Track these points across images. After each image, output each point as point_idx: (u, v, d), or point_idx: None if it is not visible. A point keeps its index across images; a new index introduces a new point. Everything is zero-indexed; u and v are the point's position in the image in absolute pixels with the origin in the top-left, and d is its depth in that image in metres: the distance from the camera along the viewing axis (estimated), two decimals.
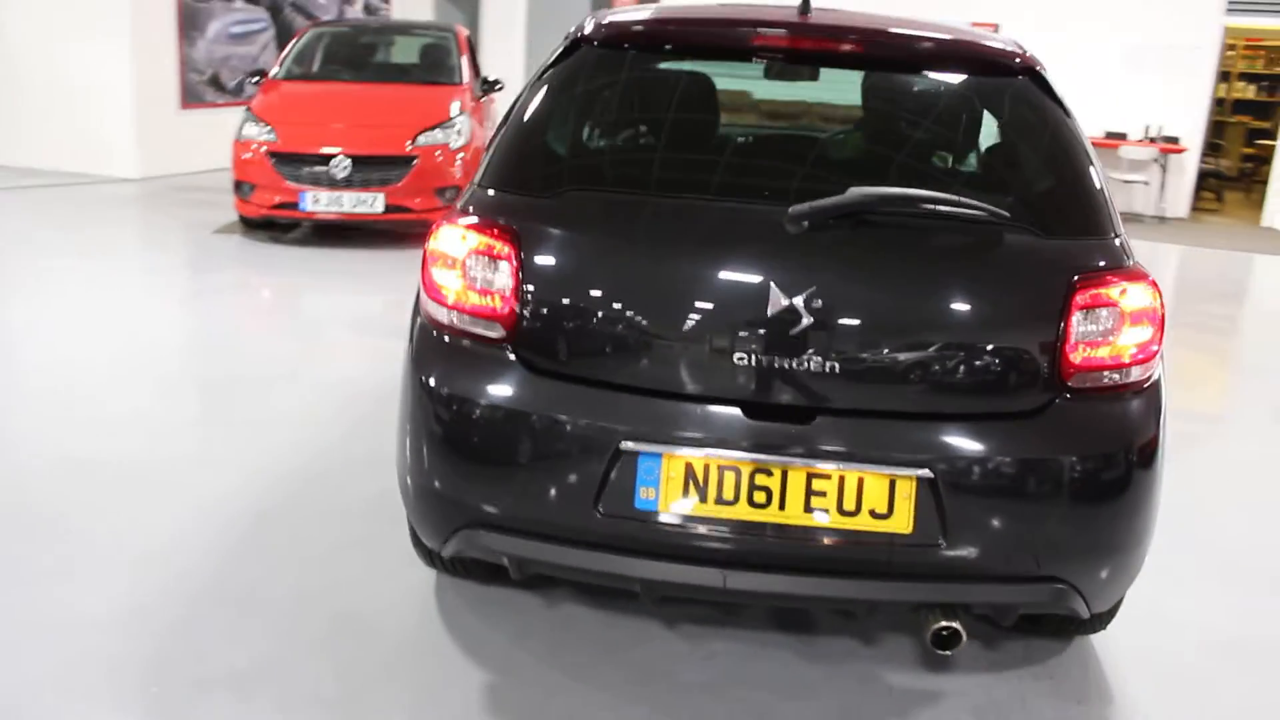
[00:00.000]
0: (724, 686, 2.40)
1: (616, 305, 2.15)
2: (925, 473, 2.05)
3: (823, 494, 2.07)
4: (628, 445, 2.08)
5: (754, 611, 2.66)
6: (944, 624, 2.13)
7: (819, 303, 2.05)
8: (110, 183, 9.20)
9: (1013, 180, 2.48)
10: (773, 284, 2.06)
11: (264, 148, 7.01)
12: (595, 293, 2.17)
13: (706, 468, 2.09)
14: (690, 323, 2.11)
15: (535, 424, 2.15)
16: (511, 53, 13.33)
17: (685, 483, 2.09)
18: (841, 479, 2.07)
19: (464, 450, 2.22)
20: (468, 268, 2.24)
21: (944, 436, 2.10)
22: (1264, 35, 14.78)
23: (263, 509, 3.13)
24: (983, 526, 2.09)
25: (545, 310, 2.18)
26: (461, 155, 7.29)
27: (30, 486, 3.22)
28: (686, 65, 2.66)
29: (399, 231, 7.30)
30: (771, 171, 2.49)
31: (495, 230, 2.22)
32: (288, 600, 2.65)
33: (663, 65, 2.64)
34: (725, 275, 2.15)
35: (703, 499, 2.09)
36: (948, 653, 2.21)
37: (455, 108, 7.51)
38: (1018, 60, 2.37)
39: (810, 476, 2.07)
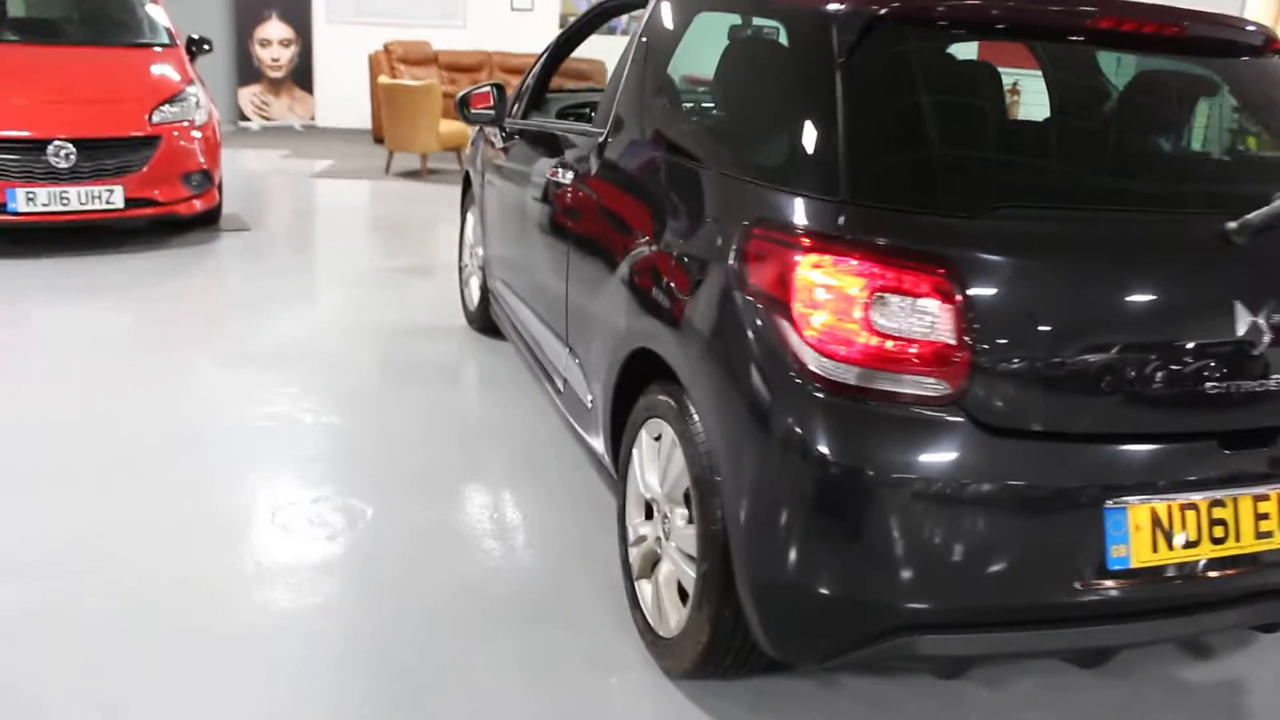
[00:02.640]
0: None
1: (1076, 342, 1.82)
2: None
3: (1267, 516, 1.96)
4: (1106, 501, 1.81)
5: None
6: None
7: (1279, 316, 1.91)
8: None
9: None
10: (1238, 302, 1.88)
11: None
12: (1050, 329, 1.82)
13: (1170, 510, 1.87)
14: (1159, 354, 1.85)
15: (1000, 495, 1.79)
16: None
17: (1152, 531, 1.86)
18: None
19: (902, 541, 1.79)
20: (885, 311, 1.78)
21: None
22: None
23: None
24: None
25: (1000, 358, 1.79)
26: (201, 134, 6.00)
27: None
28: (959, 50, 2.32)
29: (129, 229, 5.92)
30: (1165, 174, 2.26)
31: (925, 263, 1.78)
32: None
33: (953, 50, 2.27)
34: (1187, 296, 1.91)
35: (1169, 545, 1.87)
36: None
37: (182, 76, 6.15)
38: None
39: (1255, 500, 1.95)
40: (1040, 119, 2.41)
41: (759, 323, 1.90)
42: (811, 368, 1.82)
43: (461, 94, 3.84)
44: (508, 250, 3.83)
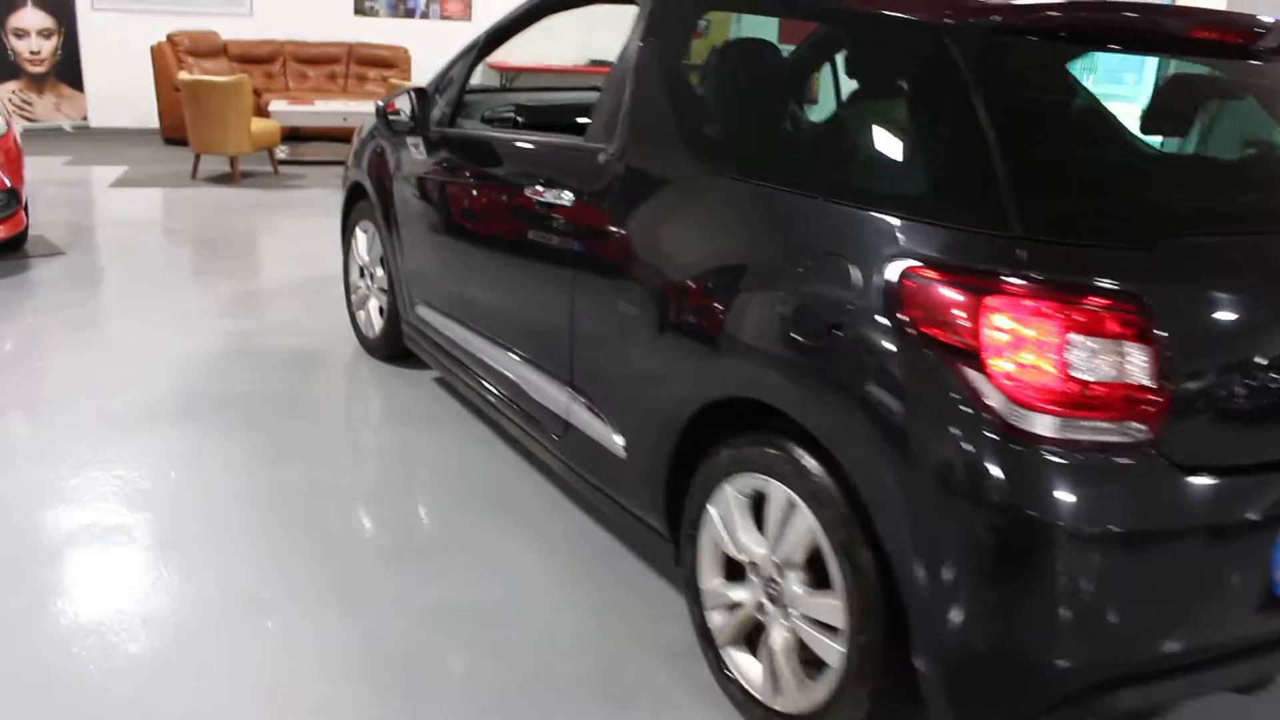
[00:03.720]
0: None
1: (1267, 369, 1.74)
2: None
3: None
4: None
5: None
6: None
7: None
8: None
9: None
10: None
11: None
12: (1242, 358, 1.72)
13: None
14: None
15: (1194, 534, 1.69)
16: None
17: None
18: None
19: (1109, 594, 1.65)
20: (1080, 354, 1.62)
21: None
22: None
23: None
24: None
25: (1197, 394, 1.68)
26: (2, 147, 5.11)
27: None
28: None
29: None
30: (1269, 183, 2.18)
31: (1119, 300, 1.63)
32: None
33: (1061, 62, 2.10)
34: None
35: None
36: None
37: None
38: None
39: None
40: (1189, 135, 2.31)
41: (933, 372, 1.70)
42: (1005, 418, 1.64)
43: (379, 103, 3.39)
44: (445, 275, 3.42)
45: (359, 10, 11.15)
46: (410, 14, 11.34)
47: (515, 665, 2.32)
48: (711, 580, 2.25)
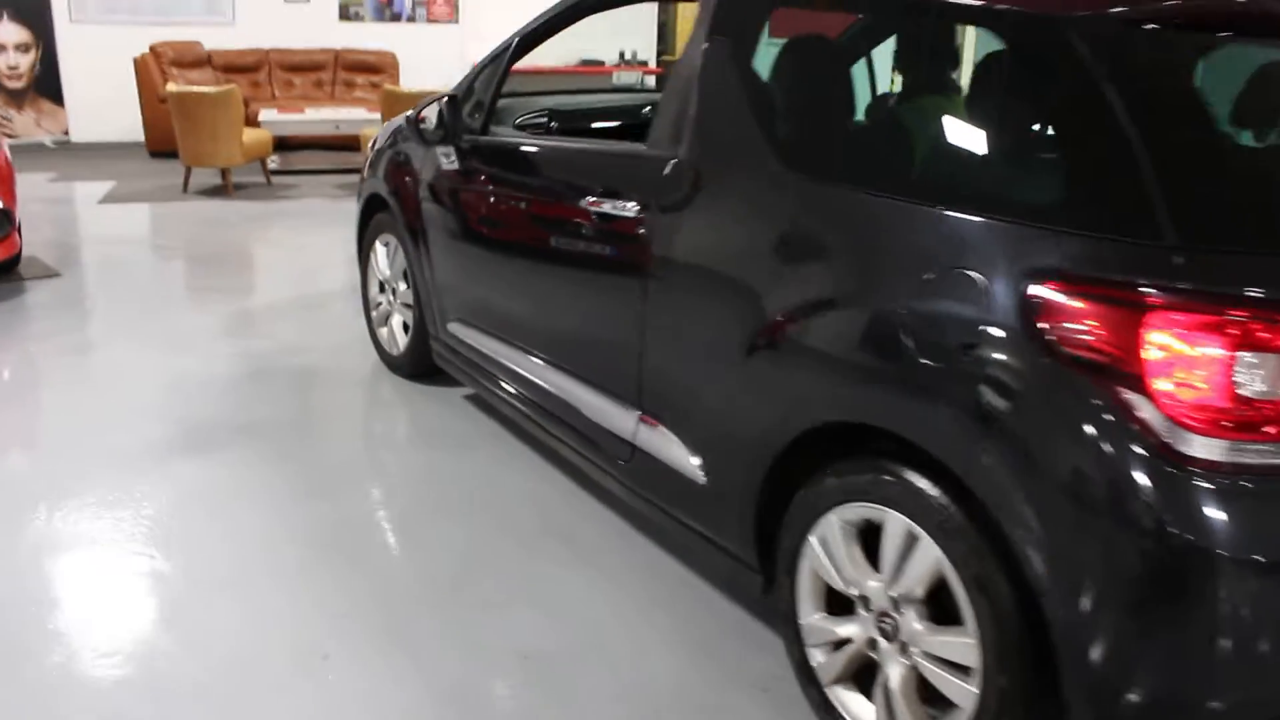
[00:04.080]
0: None
1: None
2: None
3: None
4: None
5: None
6: None
7: None
8: None
9: None
10: None
11: None
12: None
13: None
14: None
15: None
16: None
17: None
18: None
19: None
20: (1252, 372, 1.49)
21: None
22: None
23: None
24: None
25: None
26: None
27: None
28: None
29: None
30: None
31: None
32: None
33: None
34: None
35: None
36: None
37: None
38: None
39: None
40: None
41: (1083, 393, 1.57)
42: (1166, 442, 1.51)
43: (409, 113, 3.24)
44: (485, 290, 3.26)
45: (344, 16, 10.93)
46: (396, 18, 11.14)
47: (622, 716, 2.18)
48: (812, 614, 2.10)
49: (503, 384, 3.23)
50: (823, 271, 1.99)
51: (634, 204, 2.46)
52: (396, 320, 4.04)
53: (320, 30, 10.81)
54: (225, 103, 7.45)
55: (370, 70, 10.77)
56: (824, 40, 2.34)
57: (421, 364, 3.92)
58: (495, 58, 3.28)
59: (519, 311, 3.09)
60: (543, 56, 11.88)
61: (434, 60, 11.21)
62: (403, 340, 4.00)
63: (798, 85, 2.31)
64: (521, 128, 3.41)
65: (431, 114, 3.28)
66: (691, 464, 2.37)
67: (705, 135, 2.31)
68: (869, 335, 1.88)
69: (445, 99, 3.20)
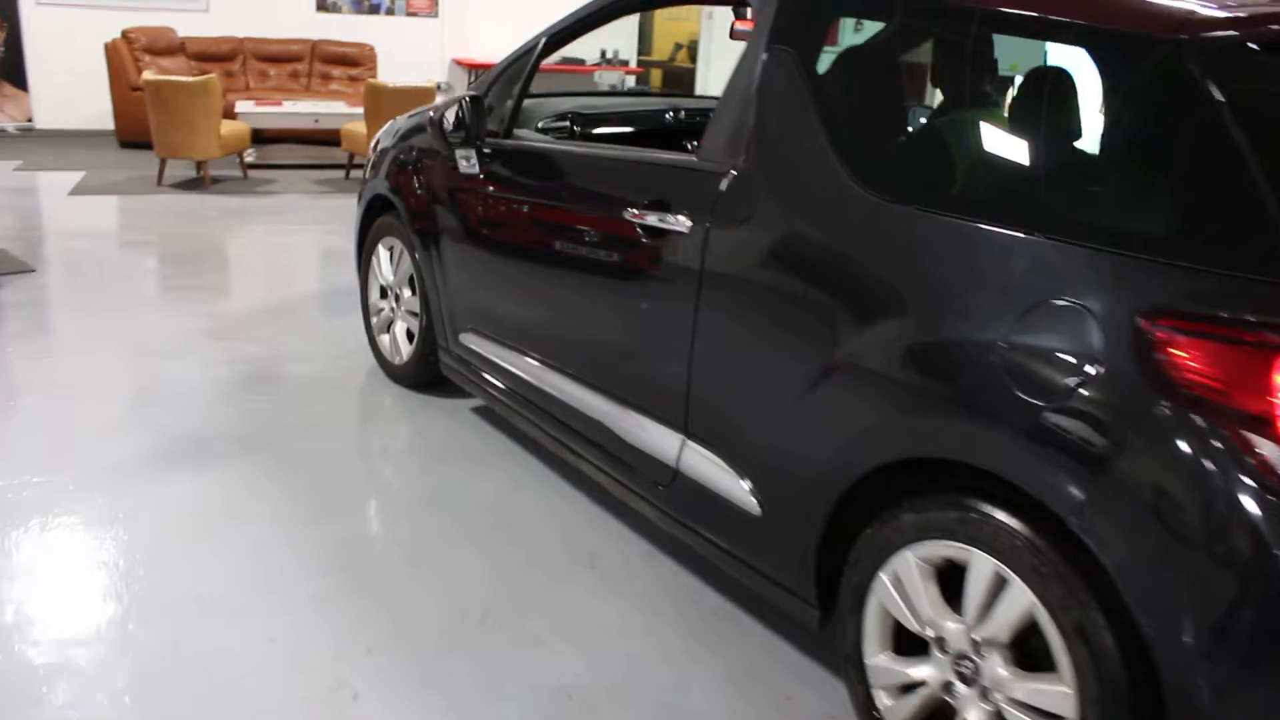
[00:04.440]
0: None
1: None
2: None
3: None
4: None
5: None
6: None
7: None
8: None
9: None
10: None
11: None
12: None
13: None
14: None
15: None
16: None
17: None
18: None
19: None
20: None
21: None
22: None
23: None
24: None
25: None
26: None
27: None
28: None
29: None
30: None
31: None
32: None
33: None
34: None
35: None
36: None
37: None
38: None
39: None
40: None
41: (1206, 436, 1.47)
42: None
43: (428, 113, 3.09)
44: (505, 302, 3.12)
45: (321, 6, 10.67)
46: (375, 9, 10.90)
47: None
48: (878, 655, 2.00)
49: (521, 399, 3.10)
50: (905, 298, 1.89)
51: (685, 217, 2.34)
52: (400, 328, 3.89)
53: (297, 20, 10.55)
54: (204, 93, 7.21)
55: (348, 63, 10.53)
56: (900, 52, 2.23)
57: (426, 375, 3.78)
58: (520, 56, 3.14)
59: (545, 325, 2.95)
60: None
61: (413, 54, 11.00)
62: (406, 349, 3.84)
63: (876, 99, 2.21)
64: (544, 132, 3.27)
65: (450, 114, 3.13)
66: (744, 492, 2.26)
67: (767, 149, 2.20)
68: (961, 367, 1.77)
69: (468, 99, 3.06)
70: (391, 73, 10.77)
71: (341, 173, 8.54)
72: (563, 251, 2.80)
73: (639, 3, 2.90)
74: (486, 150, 3.12)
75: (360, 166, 8.71)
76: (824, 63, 2.24)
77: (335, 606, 2.50)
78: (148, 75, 7.33)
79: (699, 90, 12.14)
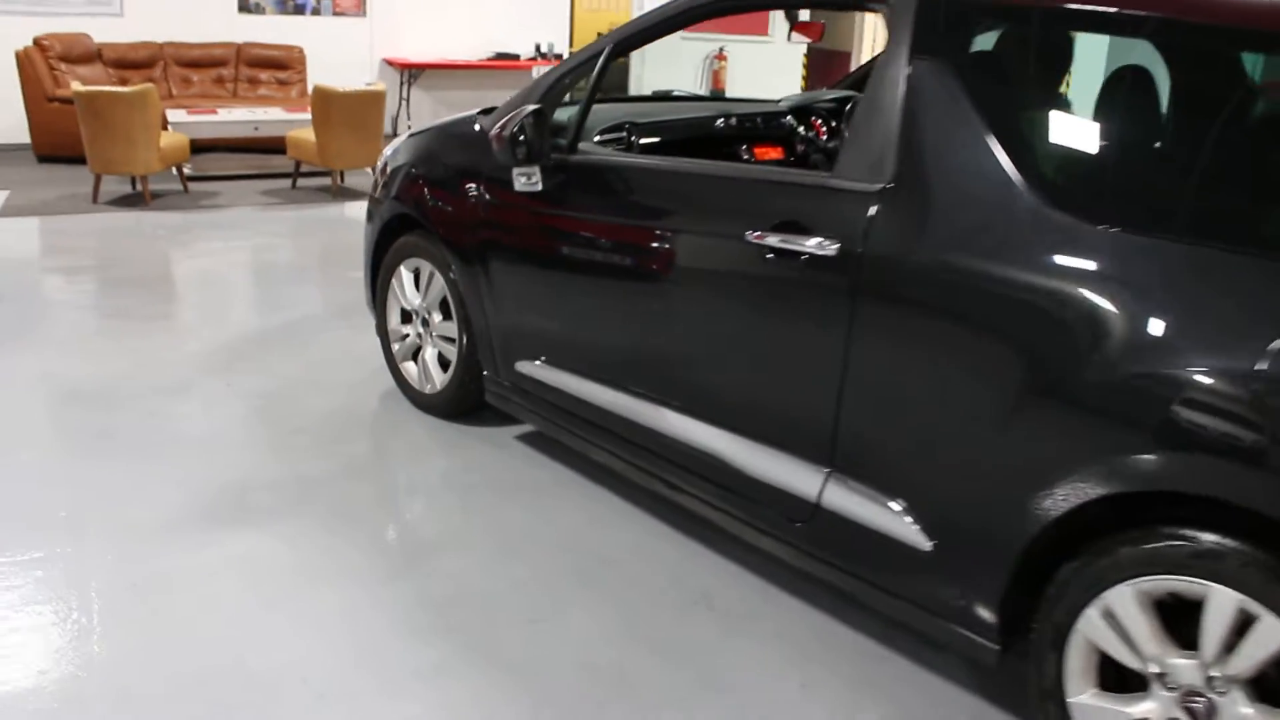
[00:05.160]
0: None
1: None
2: None
3: None
4: None
5: None
6: None
7: None
8: None
9: None
10: None
11: None
12: None
13: None
14: None
15: None
16: None
17: None
18: None
19: None
20: None
21: None
22: None
23: None
24: None
25: None
26: None
27: None
28: None
29: None
30: None
31: None
32: None
33: None
34: None
35: None
36: None
37: None
38: None
39: None
40: None
41: None
42: None
43: (494, 129, 2.86)
44: (584, 329, 2.91)
45: (244, 8, 10.12)
46: (300, 10, 10.41)
47: None
48: (1084, 692, 1.91)
49: (598, 430, 2.92)
50: (1118, 326, 1.78)
51: (827, 239, 2.19)
52: (430, 354, 3.64)
53: (218, 23, 9.99)
54: (141, 104, 6.73)
55: (276, 66, 10.04)
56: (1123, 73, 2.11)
57: (465, 403, 3.55)
58: (582, 62, 2.94)
59: (637, 355, 2.75)
60: (453, 50, 11.55)
61: (342, 55, 10.55)
62: (440, 377, 3.61)
63: (1059, 111, 2.10)
64: (603, 144, 3.09)
65: (515, 127, 2.87)
66: (908, 528, 2.14)
67: (925, 168, 2.07)
68: (1202, 399, 1.68)
69: (529, 113, 2.84)
70: (321, 75, 10.31)
71: (287, 182, 8.13)
72: (659, 277, 2.62)
73: (722, 6, 2.74)
74: (553, 166, 2.91)
75: (310, 175, 8.32)
76: (987, 73, 2.12)
77: (441, 683, 2.27)
78: (78, 87, 6.81)
79: (633, 88, 11.97)
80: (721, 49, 12.26)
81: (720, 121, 3.42)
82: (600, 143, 3.07)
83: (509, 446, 3.49)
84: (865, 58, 12.77)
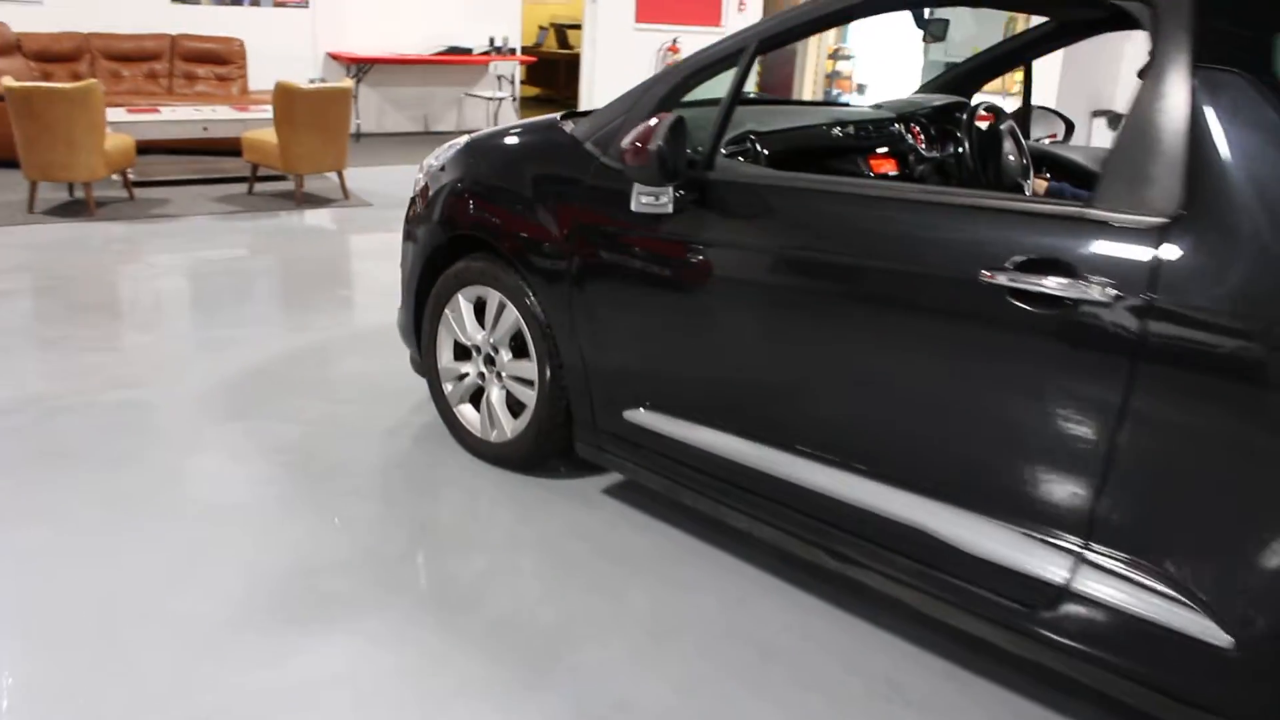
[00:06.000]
0: None
1: None
2: None
3: None
4: None
5: None
6: None
7: None
8: None
9: None
10: None
11: None
12: None
13: None
14: None
15: None
16: None
17: None
18: None
19: None
20: None
21: None
22: None
23: None
24: None
25: None
26: None
27: None
28: None
29: None
30: None
31: None
32: None
33: None
34: None
35: None
36: None
37: None
38: None
39: None
40: None
41: None
42: None
43: (628, 142, 2.40)
44: (741, 380, 2.45)
45: None
46: (238, 0, 9.66)
47: None
48: None
49: (744, 495, 2.50)
50: None
51: (1099, 283, 1.83)
52: (497, 396, 3.17)
53: (149, 13, 9.20)
54: (84, 102, 6.02)
55: (214, 60, 9.29)
56: None
57: (542, 454, 3.09)
58: (717, 61, 2.51)
59: (812, 412, 2.31)
60: (401, 44, 10.99)
61: (284, 48, 9.84)
62: (510, 424, 3.13)
63: None
64: (729, 157, 2.66)
65: (640, 139, 2.42)
66: (1196, 621, 1.79)
67: (1239, 201, 1.72)
68: None
69: (669, 123, 2.39)
70: (262, 70, 9.60)
71: (243, 187, 7.45)
72: (843, 320, 2.21)
73: (886, 4, 2.35)
74: (692, 185, 2.47)
75: (268, 179, 7.65)
76: None
77: None
78: (9, 82, 6.05)
79: (585, 82, 11.51)
80: (675, 40, 11.88)
81: (838, 130, 3.03)
82: (727, 155, 2.65)
83: (602, 505, 3.04)
84: (801, 57, 12.56)
